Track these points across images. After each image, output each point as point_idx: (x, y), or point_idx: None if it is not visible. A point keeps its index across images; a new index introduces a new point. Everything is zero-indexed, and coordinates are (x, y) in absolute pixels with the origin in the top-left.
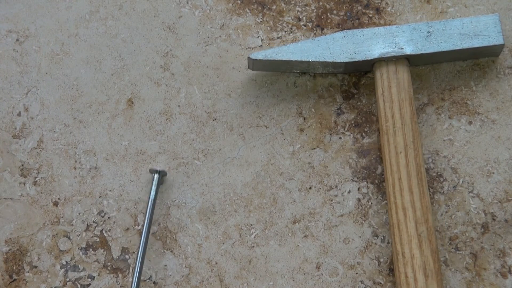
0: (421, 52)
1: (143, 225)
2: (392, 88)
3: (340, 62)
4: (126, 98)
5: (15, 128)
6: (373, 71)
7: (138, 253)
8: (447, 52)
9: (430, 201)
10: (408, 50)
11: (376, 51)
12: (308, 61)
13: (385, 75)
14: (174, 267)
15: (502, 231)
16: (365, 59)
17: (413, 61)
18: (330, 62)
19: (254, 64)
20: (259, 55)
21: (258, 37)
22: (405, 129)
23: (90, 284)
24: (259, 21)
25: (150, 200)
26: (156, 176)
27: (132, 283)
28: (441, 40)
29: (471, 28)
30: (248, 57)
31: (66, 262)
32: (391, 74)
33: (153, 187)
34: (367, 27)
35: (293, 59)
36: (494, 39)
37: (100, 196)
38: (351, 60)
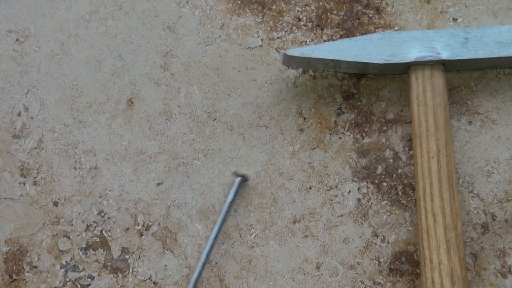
0: (457, 58)
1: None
2: (427, 93)
3: (377, 63)
4: (126, 98)
5: (15, 128)
6: (408, 74)
7: (200, 261)
8: (484, 60)
9: (460, 207)
10: (445, 55)
11: (412, 54)
12: (344, 61)
13: (421, 79)
14: (174, 267)
15: (502, 231)
16: (402, 61)
17: (448, 67)
18: (367, 62)
19: (289, 60)
20: (296, 51)
21: (258, 37)
22: (439, 134)
23: (90, 284)
24: (259, 21)
25: (226, 202)
26: (238, 179)
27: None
28: (478, 47)
29: (508, 36)
30: (284, 53)
31: (66, 262)
32: (427, 78)
33: (232, 190)
34: (367, 27)
35: (329, 58)
36: None
37: (100, 196)
38: (387, 62)
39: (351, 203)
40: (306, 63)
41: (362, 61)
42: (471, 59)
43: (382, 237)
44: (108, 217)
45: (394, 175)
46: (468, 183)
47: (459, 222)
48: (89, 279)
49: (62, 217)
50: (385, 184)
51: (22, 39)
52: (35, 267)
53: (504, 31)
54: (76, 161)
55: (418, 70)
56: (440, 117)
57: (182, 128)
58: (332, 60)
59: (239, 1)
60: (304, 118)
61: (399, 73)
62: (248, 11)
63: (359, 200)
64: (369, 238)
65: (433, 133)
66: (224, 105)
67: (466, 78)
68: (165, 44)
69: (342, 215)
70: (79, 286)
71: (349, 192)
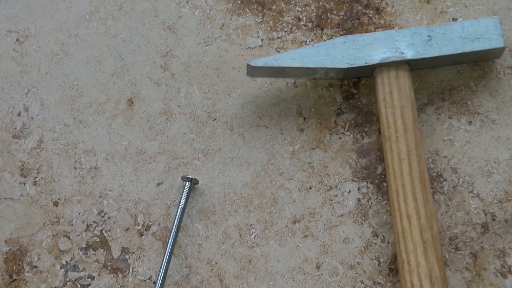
0: (422, 56)
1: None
2: (394, 94)
3: (341, 67)
4: (126, 98)
5: (15, 128)
6: (373, 77)
7: (162, 262)
8: (448, 56)
9: (434, 207)
10: (409, 54)
11: (376, 56)
12: (309, 67)
13: (386, 80)
14: (174, 267)
15: (502, 231)
16: (366, 64)
17: (414, 66)
18: (331, 68)
19: (253, 71)
20: (259, 62)
21: (258, 37)
22: (408, 135)
23: (90, 284)
24: (259, 21)
25: (179, 208)
26: (187, 183)
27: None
28: (442, 44)
29: (471, 31)
30: (248, 64)
31: (66, 262)
32: (392, 79)
33: (183, 194)
34: (367, 27)
35: (293, 66)
36: (494, 42)
37: (100, 196)
38: (351, 66)
39: (351, 203)
40: (271, 73)
41: (326, 66)
42: (436, 57)
43: (382, 237)
44: (108, 217)
45: None
46: (468, 183)
47: (434, 222)
48: (89, 279)
49: (62, 217)
50: (385, 184)
51: (22, 39)
52: (35, 267)
53: (467, 26)
54: (76, 161)
55: (383, 72)
56: (408, 118)
57: (182, 128)
58: (296, 68)
59: (239, 1)
60: (304, 118)
61: (365, 75)
62: (248, 11)
63: (359, 200)
64: (369, 238)
65: (402, 134)
66: (224, 105)
67: (466, 78)
68: (165, 44)
69: (342, 215)
70: (79, 286)
71: (349, 192)
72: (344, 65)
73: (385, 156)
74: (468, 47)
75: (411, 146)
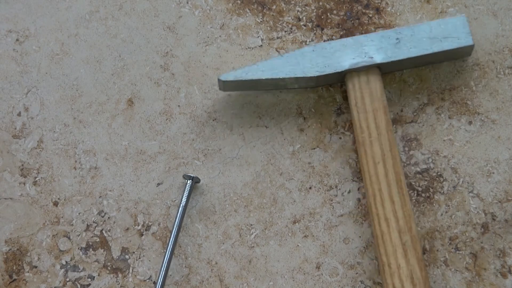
0: (391, 59)
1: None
2: (365, 99)
3: (311, 76)
4: (126, 98)
5: (15, 128)
6: (345, 83)
7: (163, 261)
8: (418, 57)
9: (412, 208)
10: (378, 58)
11: (346, 62)
12: (279, 78)
13: (357, 85)
14: (174, 267)
15: (502, 231)
16: (336, 71)
17: (384, 69)
18: (301, 77)
19: (225, 85)
20: (229, 76)
21: (258, 37)
22: (381, 139)
23: (90, 284)
24: (259, 21)
25: (180, 206)
26: (189, 182)
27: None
28: (411, 46)
29: (439, 31)
30: (218, 79)
31: (66, 262)
32: (363, 84)
33: (185, 193)
34: (367, 27)
35: (263, 77)
36: (463, 40)
37: (100, 196)
38: (321, 74)
39: (351, 203)
40: (243, 86)
41: (296, 76)
42: (405, 59)
43: None
44: (108, 217)
45: None
46: (468, 183)
47: (412, 223)
48: (89, 279)
49: (62, 217)
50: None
51: (22, 39)
52: (35, 267)
53: (435, 26)
54: (76, 161)
55: (354, 77)
56: (381, 121)
57: (182, 128)
58: (267, 80)
59: (239, 1)
60: (304, 118)
61: (336, 82)
62: (248, 11)
63: (359, 200)
64: (369, 238)
65: (376, 138)
66: (224, 105)
67: (466, 78)
68: (165, 44)
69: (342, 215)
70: (79, 286)
71: (349, 192)
72: (314, 73)
73: (360, 160)
74: (437, 47)
75: (385, 149)
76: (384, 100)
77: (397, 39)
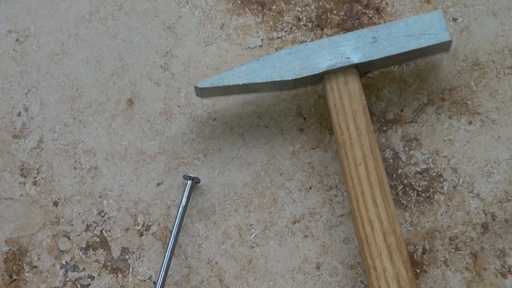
0: (368, 59)
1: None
2: (344, 100)
3: (288, 79)
4: (126, 98)
5: (15, 128)
6: (323, 84)
7: (163, 261)
8: (396, 55)
9: (395, 210)
10: (355, 58)
11: (323, 64)
12: (256, 83)
13: (335, 87)
14: (174, 267)
15: (502, 231)
16: (313, 73)
17: (362, 69)
18: (278, 81)
19: (202, 92)
20: (206, 83)
21: (258, 37)
22: (362, 140)
23: (90, 284)
24: (259, 21)
25: (181, 206)
26: (189, 182)
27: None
28: (388, 44)
29: (416, 28)
30: (195, 86)
31: (66, 262)
32: (341, 85)
33: (185, 193)
34: (367, 28)
35: (240, 83)
36: (440, 36)
37: (100, 196)
38: (299, 77)
39: None
40: (220, 91)
41: (273, 80)
42: (383, 58)
43: None
44: (108, 217)
45: (394, 175)
46: (468, 183)
47: (397, 225)
48: (89, 279)
49: (62, 217)
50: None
51: (22, 39)
52: (35, 267)
53: (411, 23)
54: (76, 161)
55: (332, 79)
56: (361, 122)
57: (182, 128)
58: (243, 85)
59: (239, 1)
60: (304, 118)
61: (314, 84)
62: (248, 11)
63: None
64: None
65: (356, 139)
66: (224, 105)
67: (466, 78)
68: (165, 44)
69: (342, 215)
70: (79, 286)
71: None
72: (291, 76)
73: (341, 163)
74: (414, 45)
75: (366, 150)
76: (363, 100)
77: (374, 38)
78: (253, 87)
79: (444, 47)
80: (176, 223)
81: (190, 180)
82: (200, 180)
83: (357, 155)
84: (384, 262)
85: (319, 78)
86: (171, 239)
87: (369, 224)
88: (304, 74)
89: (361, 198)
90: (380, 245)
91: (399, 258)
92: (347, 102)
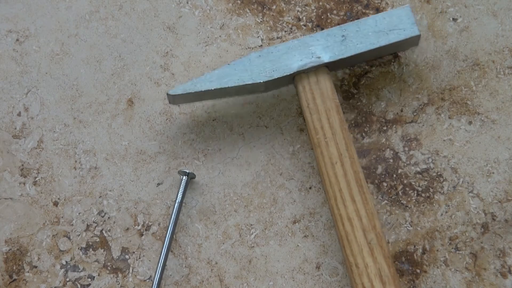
0: (339, 57)
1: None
2: (317, 99)
3: (260, 82)
4: (126, 98)
5: (15, 128)
6: (294, 85)
7: (160, 258)
8: (366, 52)
9: (374, 207)
10: (326, 57)
11: (294, 64)
12: (228, 87)
13: (307, 87)
14: (174, 267)
15: (502, 231)
16: (284, 74)
17: (333, 67)
18: (250, 83)
19: (174, 99)
20: (178, 89)
21: (258, 37)
22: (337, 138)
23: (90, 284)
24: (259, 21)
25: (176, 202)
26: (184, 178)
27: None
28: (357, 42)
29: (385, 24)
30: (167, 94)
31: (66, 262)
32: (313, 85)
33: (180, 189)
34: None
35: (212, 88)
36: (409, 31)
37: (100, 196)
38: (270, 79)
39: None
40: (193, 97)
41: (245, 83)
42: (353, 55)
43: None
44: (108, 217)
45: (394, 175)
46: (468, 183)
47: (376, 221)
48: (89, 279)
49: (62, 217)
50: (385, 184)
51: (22, 39)
52: (35, 267)
53: (380, 19)
54: (76, 161)
55: (303, 79)
56: (335, 121)
57: (182, 128)
58: (216, 90)
59: (239, 1)
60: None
61: (287, 85)
62: (248, 11)
63: None
64: None
65: (331, 138)
66: (224, 105)
67: (466, 78)
68: (165, 44)
69: None
70: (79, 286)
71: None
72: (262, 78)
73: (318, 162)
74: (383, 41)
75: (341, 148)
76: (336, 99)
77: (343, 36)
78: (225, 92)
79: (413, 41)
80: (172, 219)
81: (185, 175)
82: (195, 176)
83: (333, 154)
84: (366, 259)
85: (291, 79)
86: (168, 235)
87: (349, 221)
88: (276, 76)
89: (339, 196)
90: (360, 242)
91: (380, 254)
92: (320, 101)
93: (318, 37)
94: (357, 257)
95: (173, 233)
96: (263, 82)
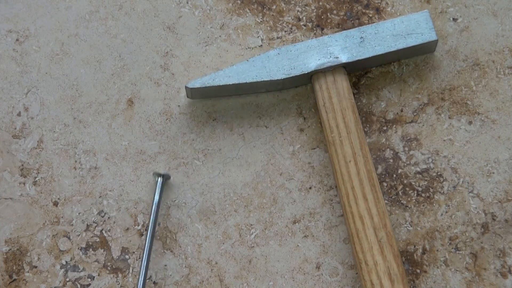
0: (356, 58)
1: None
2: (333, 98)
3: (278, 79)
4: (126, 98)
5: (15, 128)
6: (312, 84)
7: (143, 258)
8: (383, 55)
9: (385, 205)
10: (344, 58)
11: (312, 63)
12: (246, 83)
13: (324, 86)
14: (174, 267)
15: (502, 231)
16: (302, 73)
17: (350, 68)
18: (268, 80)
19: (192, 93)
20: (196, 83)
21: (258, 37)
22: (351, 138)
23: (90, 284)
24: (259, 21)
25: (154, 203)
26: (160, 179)
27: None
28: (375, 44)
29: (403, 28)
30: (186, 87)
31: (66, 262)
32: (330, 84)
33: (157, 190)
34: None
35: (230, 83)
36: (427, 36)
37: (100, 196)
38: (288, 76)
39: None
40: (210, 92)
41: (263, 79)
42: (371, 57)
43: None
44: (108, 217)
45: (394, 175)
46: (468, 183)
47: (387, 220)
48: (89, 279)
49: (62, 217)
50: (385, 184)
51: (22, 39)
52: (35, 267)
53: (398, 23)
54: (76, 161)
55: (321, 78)
56: (350, 120)
57: (182, 128)
58: (234, 85)
59: (239, 1)
60: (304, 118)
61: (304, 84)
62: (248, 11)
63: None
64: None
65: (346, 137)
66: (224, 105)
67: (466, 78)
68: (165, 44)
69: (342, 215)
70: (79, 286)
71: None
72: (280, 76)
73: (332, 160)
74: (401, 44)
75: (355, 148)
76: (352, 99)
77: (361, 38)
78: (243, 88)
79: (430, 46)
80: (151, 220)
81: (160, 177)
82: (170, 177)
83: (347, 152)
84: (375, 256)
85: (308, 78)
86: (148, 238)
87: (360, 219)
88: (293, 74)
89: (352, 194)
90: (371, 240)
91: (390, 252)
92: (336, 100)
93: (337, 38)
94: (367, 254)
95: (153, 235)
96: (281, 79)
